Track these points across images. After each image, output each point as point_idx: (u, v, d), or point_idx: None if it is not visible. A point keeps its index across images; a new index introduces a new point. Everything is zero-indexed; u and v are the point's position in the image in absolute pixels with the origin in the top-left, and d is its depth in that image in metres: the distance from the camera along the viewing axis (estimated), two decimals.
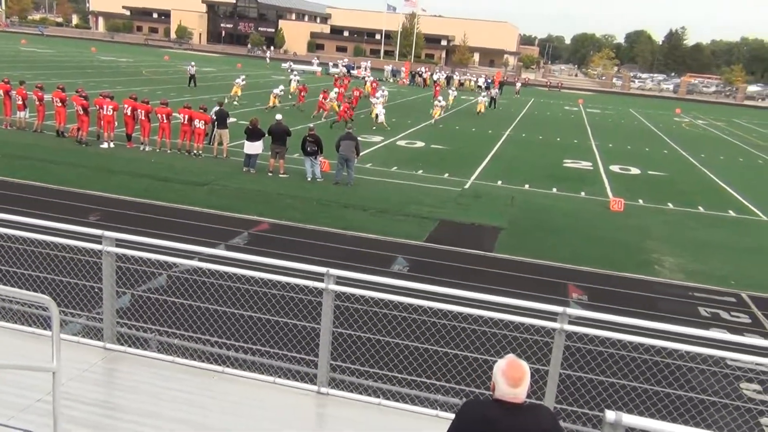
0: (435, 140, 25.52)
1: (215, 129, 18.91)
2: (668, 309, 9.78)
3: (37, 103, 19.54)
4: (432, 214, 14.31)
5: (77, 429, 4.48)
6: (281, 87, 31.64)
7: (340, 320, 6.57)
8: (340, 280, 5.11)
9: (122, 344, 5.71)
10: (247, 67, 56.06)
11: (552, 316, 4.82)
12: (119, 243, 5.50)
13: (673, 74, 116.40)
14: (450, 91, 41.54)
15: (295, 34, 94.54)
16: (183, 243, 5.57)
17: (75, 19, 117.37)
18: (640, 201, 17.84)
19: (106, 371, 5.43)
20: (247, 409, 4.99)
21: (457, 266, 10.91)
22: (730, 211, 17.62)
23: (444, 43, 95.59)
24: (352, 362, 6.33)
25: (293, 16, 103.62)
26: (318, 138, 16.50)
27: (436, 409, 5.20)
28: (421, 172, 19.16)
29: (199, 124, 18.51)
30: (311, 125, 17.97)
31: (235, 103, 30.70)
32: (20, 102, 19.77)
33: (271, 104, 29.48)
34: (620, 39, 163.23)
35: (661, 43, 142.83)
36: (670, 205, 17.66)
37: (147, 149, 18.55)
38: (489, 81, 55.80)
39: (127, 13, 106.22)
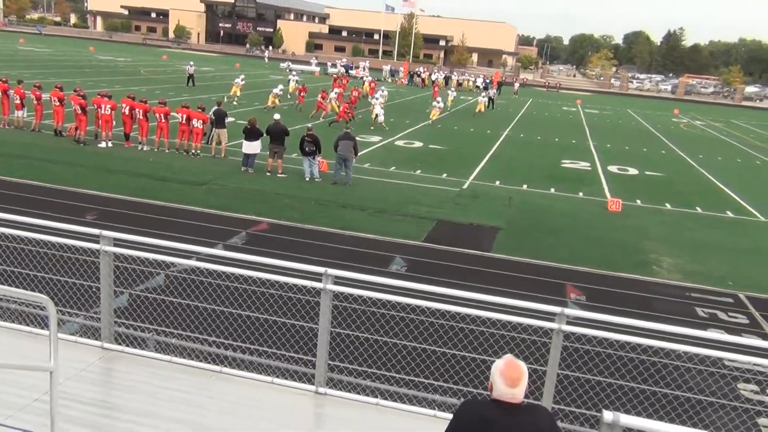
0: (433, 140, 25.53)
1: (213, 128, 18.91)
2: (666, 309, 9.80)
3: (35, 102, 19.52)
4: (430, 214, 14.31)
5: (75, 428, 4.48)
6: (280, 87, 31.64)
7: (338, 320, 6.57)
8: (338, 280, 5.11)
9: (120, 344, 5.70)
10: (246, 67, 56.02)
11: (550, 317, 4.83)
12: (117, 242, 5.50)
13: (671, 75, 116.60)
14: (449, 92, 41.53)
15: (294, 34, 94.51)
16: (181, 243, 5.57)
17: (73, 19, 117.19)
18: (638, 201, 17.87)
19: (104, 371, 5.42)
20: (244, 408, 4.98)
21: (455, 266, 10.92)
22: (728, 212, 17.65)
23: (442, 43, 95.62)
24: (350, 362, 6.33)
25: (291, 16, 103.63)
26: (316, 138, 16.49)
27: (434, 409, 5.20)
28: (419, 172, 19.16)
29: (197, 123, 18.50)
30: (309, 125, 17.96)
31: (234, 103, 30.70)
32: (18, 101, 19.74)
33: (270, 104, 29.48)
34: (618, 40, 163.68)
35: (659, 43, 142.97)
36: (668, 206, 17.68)
37: (145, 149, 18.53)
38: (487, 81, 55.84)
39: (126, 12, 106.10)
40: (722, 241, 14.58)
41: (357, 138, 17.54)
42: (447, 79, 57.68)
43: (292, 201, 14.47)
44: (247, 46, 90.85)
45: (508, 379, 2.96)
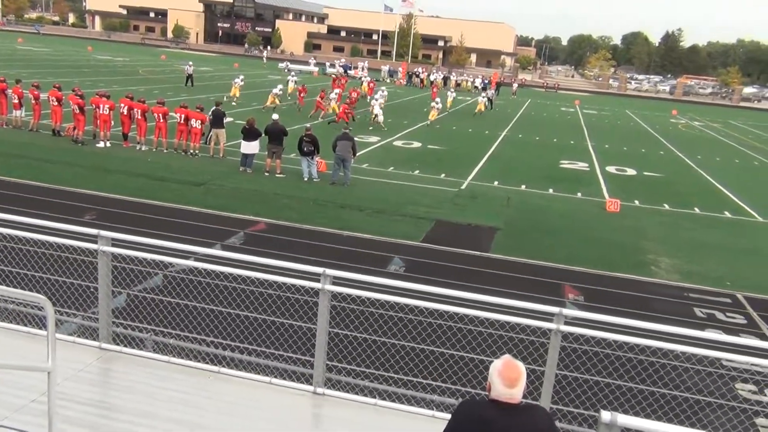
0: (432, 141, 25.54)
1: (212, 128, 18.90)
2: (664, 310, 9.81)
3: (33, 101, 19.48)
4: (428, 215, 14.32)
5: (72, 429, 4.47)
6: (280, 86, 31.63)
7: (337, 320, 6.57)
8: (336, 281, 5.11)
9: (118, 344, 5.69)
10: (244, 67, 55.99)
11: (548, 317, 4.83)
12: (115, 242, 5.49)
13: (669, 76, 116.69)
14: (449, 93, 41.52)
15: (292, 34, 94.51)
16: (179, 243, 5.56)
17: (71, 18, 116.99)
18: (636, 202, 17.88)
19: (102, 371, 5.41)
20: (242, 409, 4.98)
21: (454, 267, 10.92)
22: (726, 213, 17.67)
23: (441, 43, 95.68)
24: (348, 362, 6.33)
25: (290, 16, 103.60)
26: (315, 138, 16.49)
27: (432, 409, 5.20)
28: (417, 172, 19.17)
29: (195, 123, 18.48)
30: (308, 125, 17.96)
31: (234, 103, 30.68)
32: (16, 101, 19.72)
33: (269, 103, 29.47)
34: (617, 40, 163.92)
35: (657, 44, 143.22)
36: (666, 206, 17.70)
37: (143, 149, 18.51)
38: (486, 82, 55.87)
39: (124, 12, 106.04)
40: (720, 242, 14.60)
41: (355, 138, 17.55)
42: (446, 80, 57.70)
43: (290, 201, 14.46)
44: (246, 46, 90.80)
45: (506, 379, 2.96)
